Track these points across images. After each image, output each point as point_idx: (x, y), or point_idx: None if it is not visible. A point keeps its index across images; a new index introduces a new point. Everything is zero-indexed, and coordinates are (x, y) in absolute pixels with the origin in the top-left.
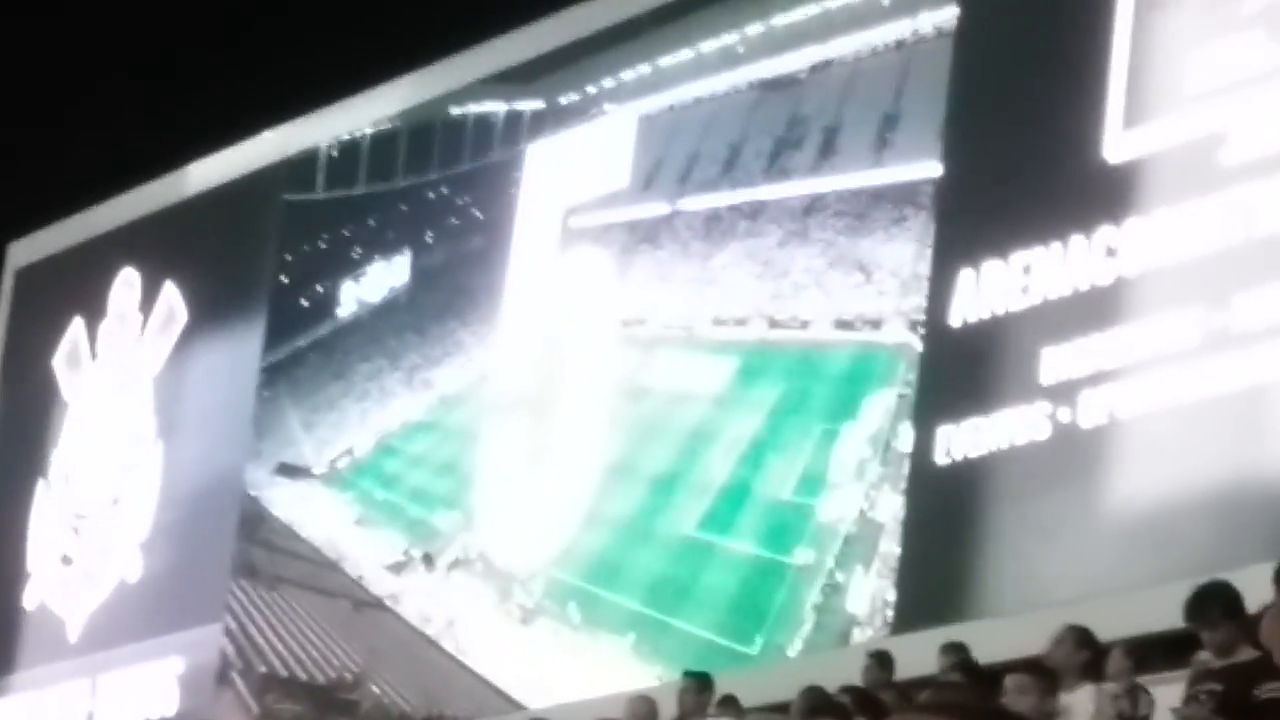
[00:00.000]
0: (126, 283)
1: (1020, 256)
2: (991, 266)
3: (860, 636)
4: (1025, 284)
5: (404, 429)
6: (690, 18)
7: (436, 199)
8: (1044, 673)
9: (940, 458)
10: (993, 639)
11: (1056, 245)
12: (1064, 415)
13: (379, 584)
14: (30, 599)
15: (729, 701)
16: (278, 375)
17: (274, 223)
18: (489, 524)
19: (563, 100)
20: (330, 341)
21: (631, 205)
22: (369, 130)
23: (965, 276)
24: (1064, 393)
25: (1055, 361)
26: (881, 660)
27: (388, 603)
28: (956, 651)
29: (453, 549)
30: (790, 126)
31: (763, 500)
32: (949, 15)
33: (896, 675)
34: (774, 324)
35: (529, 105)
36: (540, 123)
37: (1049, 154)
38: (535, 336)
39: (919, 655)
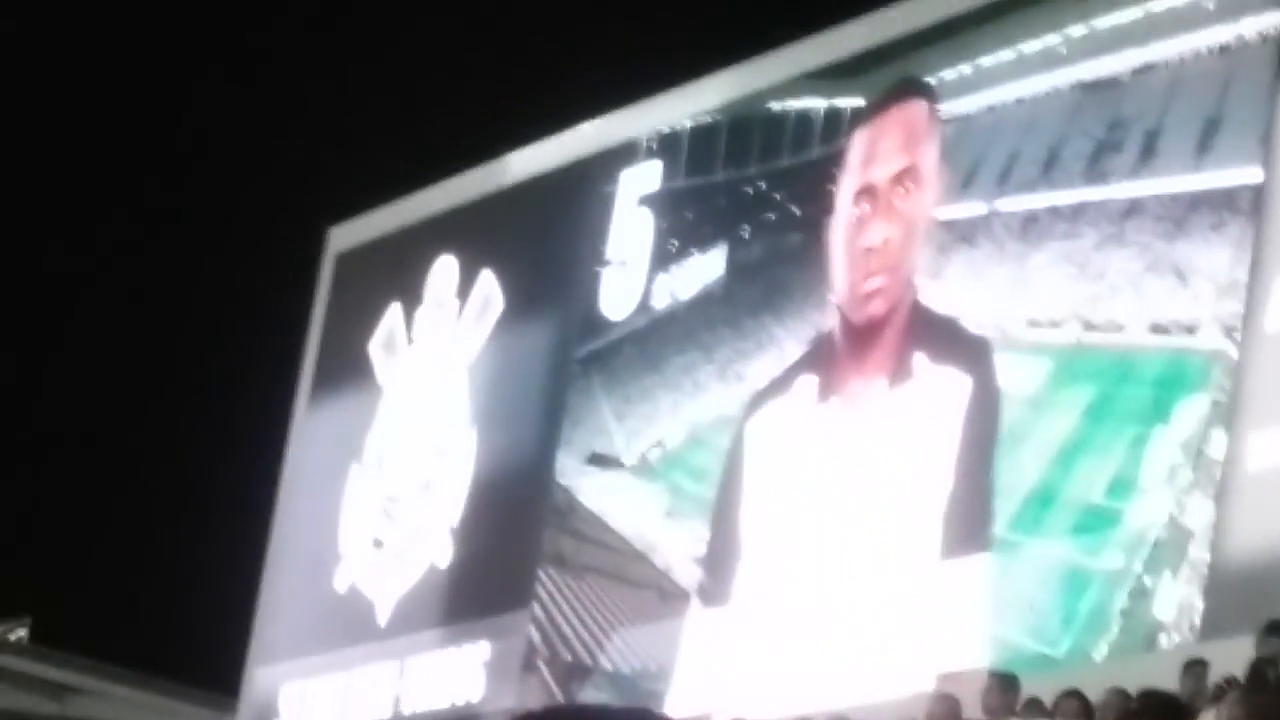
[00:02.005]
0: (444, 269)
1: None
2: None
3: (1167, 643)
4: None
5: (716, 421)
6: (1012, 17)
7: (754, 194)
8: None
9: (1253, 465)
10: None
11: None
12: None
13: (687, 576)
14: (342, 581)
15: (1034, 704)
16: (592, 365)
17: (592, 214)
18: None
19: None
20: (645, 333)
21: (949, 204)
22: (689, 123)
23: None
24: None
25: None
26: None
27: (695, 595)
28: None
29: None
30: (1111, 129)
31: (1073, 502)
32: (1274, 20)
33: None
34: (1089, 326)
35: (849, 102)
36: (860, 119)
37: None
38: None
39: (1228, 663)
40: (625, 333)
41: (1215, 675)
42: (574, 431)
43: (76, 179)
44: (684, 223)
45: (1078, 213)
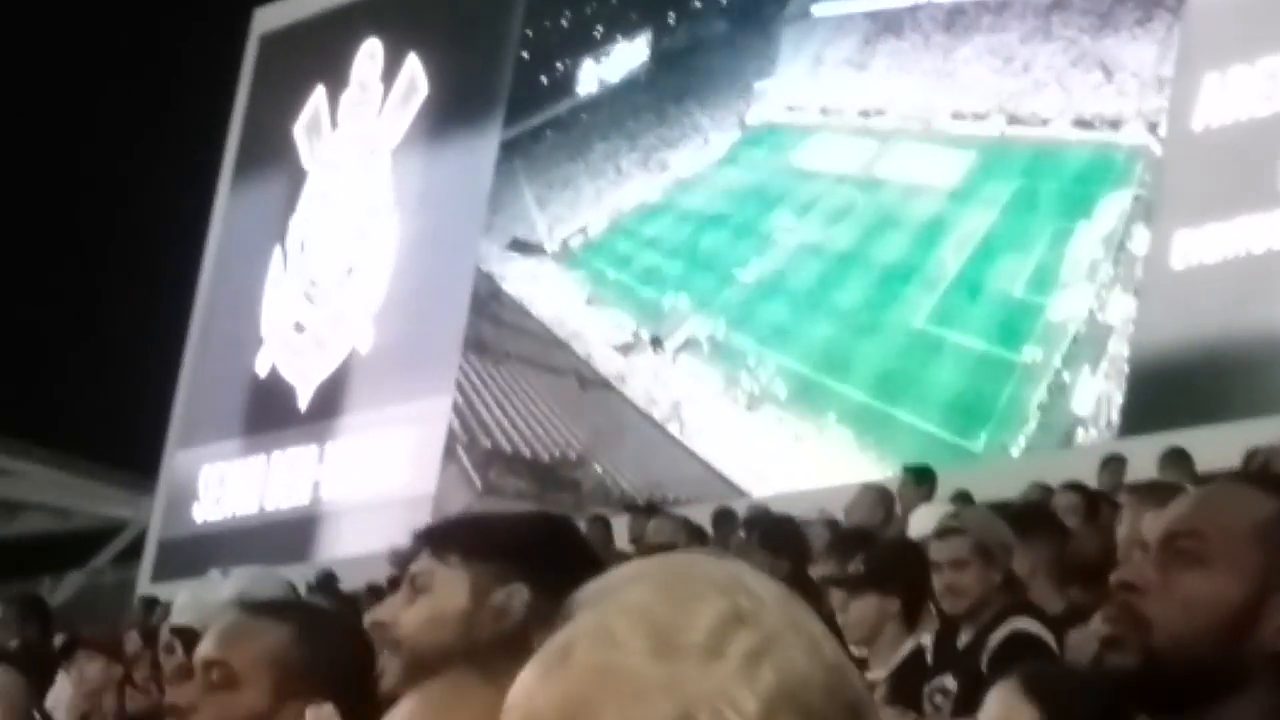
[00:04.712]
0: (369, 53)
1: (1267, 62)
2: (1237, 71)
3: (1084, 437)
4: (1270, 90)
5: (638, 210)
6: None
7: None
8: (1270, 480)
9: (1175, 262)
10: (1220, 445)
11: None
12: None
13: (607, 364)
14: (263, 365)
15: (958, 498)
16: (515, 151)
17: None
18: (719, 308)
19: None
20: (569, 120)
21: None
22: None
23: (1210, 80)
24: None
25: None
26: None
27: (614, 383)
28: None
29: (682, 331)
30: None
31: (993, 296)
32: None
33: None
34: (1013, 120)
35: None
36: None
37: None
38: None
39: (1145, 458)
40: (548, 118)
41: (1133, 471)
42: (496, 218)
43: None
44: (609, 9)
45: (1004, 6)
